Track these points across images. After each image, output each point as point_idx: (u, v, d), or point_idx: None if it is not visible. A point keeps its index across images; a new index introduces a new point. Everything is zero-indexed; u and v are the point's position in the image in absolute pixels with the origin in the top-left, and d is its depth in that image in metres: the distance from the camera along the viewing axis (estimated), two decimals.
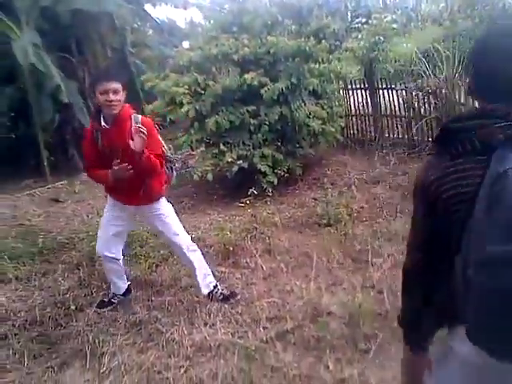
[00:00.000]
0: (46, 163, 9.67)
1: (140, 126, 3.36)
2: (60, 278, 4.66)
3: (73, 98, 9.58)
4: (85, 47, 10.51)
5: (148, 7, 13.84)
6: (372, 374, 2.87)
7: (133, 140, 3.36)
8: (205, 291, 3.93)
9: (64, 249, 5.38)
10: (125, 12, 10.66)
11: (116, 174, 3.48)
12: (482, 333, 1.23)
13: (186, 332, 3.51)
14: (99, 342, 3.46)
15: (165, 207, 3.86)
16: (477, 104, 1.45)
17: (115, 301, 4.02)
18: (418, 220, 1.54)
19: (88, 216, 6.44)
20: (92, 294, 4.29)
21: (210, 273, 4.03)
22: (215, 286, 3.99)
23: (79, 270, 4.75)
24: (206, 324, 3.61)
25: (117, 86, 3.42)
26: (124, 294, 4.07)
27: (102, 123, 3.50)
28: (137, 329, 3.65)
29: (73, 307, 4.02)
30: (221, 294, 3.94)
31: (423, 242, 1.50)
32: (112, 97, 3.39)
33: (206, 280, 3.95)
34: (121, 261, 3.95)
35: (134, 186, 3.58)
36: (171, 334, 3.50)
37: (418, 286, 1.50)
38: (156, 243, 5.06)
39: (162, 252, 4.86)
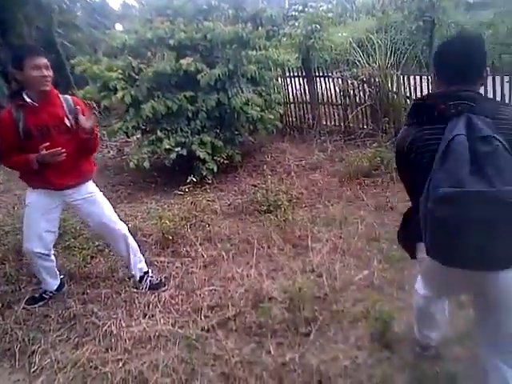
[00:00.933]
0: None
1: (89, 103, 3.24)
2: None
3: None
4: (9, 28, 9.95)
5: None
6: (313, 357, 2.92)
7: (77, 119, 3.27)
8: (137, 277, 3.92)
9: None
10: None
11: (44, 159, 3.23)
12: (435, 249, 1.85)
13: (124, 324, 3.42)
14: (29, 340, 3.31)
15: (97, 191, 3.72)
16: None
17: (47, 296, 3.83)
18: (403, 175, 2.15)
19: (14, 208, 6.10)
20: (20, 289, 4.08)
21: (143, 259, 4.00)
22: (146, 272, 3.95)
23: (5, 264, 4.48)
24: (145, 315, 3.52)
25: (47, 61, 3.24)
26: (57, 290, 3.88)
27: (28, 100, 3.24)
28: (71, 324, 3.51)
29: None
30: (150, 281, 3.90)
31: (411, 189, 2.09)
32: (45, 72, 3.21)
33: (137, 266, 3.92)
34: (52, 256, 3.75)
35: (66, 167, 3.38)
36: (108, 327, 3.39)
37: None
38: (90, 234, 4.87)
39: (96, 243, 4.68)
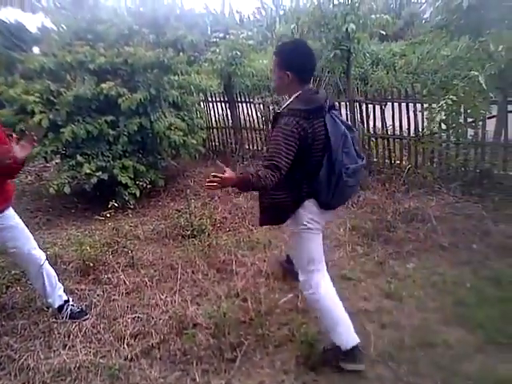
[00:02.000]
0: None
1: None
2: None
3: None
4: None
5: None
6: (239, 383, 2.93)
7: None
8: (55, 305, 3.79)
9: None
10: None
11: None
12: (333, 201, 2.89)
13: (42, 357, 3.29)
14: None
15: (17, 217, 3.57)
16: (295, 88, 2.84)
17: None
18: (287, 152, 2.66)
19: None
20: None
21: (62, 287, 3.88)
22: (66, 301, 3.83)
23: None
24: (65, 346, 3.41)
25: None
26: None
27: None
28: None
29: None
30: (70, 310, 3.78)
31: (287, 163, 2.67)
32: None
33: (56, 294, 3.79)
34: None
35: None
36: (25, 360, 3.25)
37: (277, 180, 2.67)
38: (6, 262, 4.66)
39: (13, 272, 4.47)
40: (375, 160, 7.19)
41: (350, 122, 7.28)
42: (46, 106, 6.38)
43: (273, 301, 3.83)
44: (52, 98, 6.44)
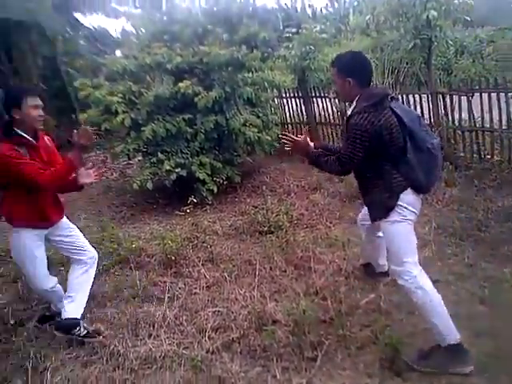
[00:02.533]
0: None
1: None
2: None
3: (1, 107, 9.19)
4: (15, 56, 10.13)
5: (79, 16, 13.62)
6: (320, 383, 2.90)
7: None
8: (71, 314, 3.55)
9: (1, 262, 5.19)
10: (55, 22, 10.38)
11: (80, 140, 3.28)
12: (422, 183, 2.98)
13: (130, 344, 3.46)
14: (41, 357, 3.36)
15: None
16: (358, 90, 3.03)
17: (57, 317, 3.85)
18: (358, 150, 2.92)
19: None
20: (32, 307, 4.15)
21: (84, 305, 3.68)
22: (76, 322, 3.57)
23: (17, 283, 4.57)
24: (150, 335, 3.56)
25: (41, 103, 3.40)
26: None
27: (30, 138, 3.33)
28: (80, 343, 3.54)
29: (12, 322, 3.90)
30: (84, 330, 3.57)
31: (355, 160, 2.97)
32: (42, 112, 3.35)
33: (79, 305, 3.62)
34: (57, 284, 3.73)
35: (56, 201, 3.58)
36: (115, 346, 3.43)
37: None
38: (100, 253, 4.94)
39: (102, 263, 4.71)
40: (462, 154, 6.91)
41: (432, 115, 7.09)
42: (128, 105, 6.67)
43: (354, 300, 3.76)
44: (134, 99, 6.73)
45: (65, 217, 3.70)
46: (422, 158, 2.94)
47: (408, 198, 2.99)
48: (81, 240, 3.74)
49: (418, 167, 2.94)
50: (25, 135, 3.30)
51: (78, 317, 3.55)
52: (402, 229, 3.04)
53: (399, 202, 2.99)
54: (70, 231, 3.69)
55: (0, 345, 3.63)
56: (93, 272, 3.76)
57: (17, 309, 4.14)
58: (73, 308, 3.56)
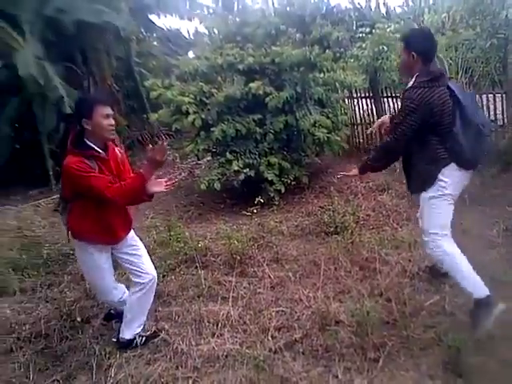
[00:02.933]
0: (51, 173, 9.65)
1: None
2: (65, 290, 4.68)
3: None
4: (90, 57, 10.55)
5: (153, 17, 14.04)
6: None
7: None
8: (125, 335, 3.57)
9: (69, 260, 5.37)
10: (130, 23, 10.72)
11: (154, 160, 3.08)
12: (468, 158, 3.16)
13: (193, 343, 3.50)
14: (105, 354, 3.45)
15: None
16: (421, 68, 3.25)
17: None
18: (413, 118, 3.15)
19: None
20: (98, 305, 4.27)
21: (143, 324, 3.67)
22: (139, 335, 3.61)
23: (84, 281, 4.71)
24: (213, 334, 3.58)
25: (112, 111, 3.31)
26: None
27: (100, 151, 3.23)
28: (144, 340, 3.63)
29: (78, 319, 4.02)
30: (142, 337, 3.61)
31: (408, 133, 3.20)
32: (112, 121, 3.25)
33: (135, 325, 3.59)
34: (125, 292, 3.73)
35: (125, 214, 3.47)
36: (178, 344, 3.48)
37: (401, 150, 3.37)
38: (163, 253, 5.05)
39: (168, 262, 4.85)
40: None
41: (506, 116, 6.78)
42: (199, 106, 6.80)
43: (418, 302, 3.69)
44: (204, 99, 6.84)
45: (132, 232, 3.58)
46: (469, 134, 3.12)
47: (451, 173, 3.21)
48: (142, 261, 3.53)
49: (464, 142, 3.12)
50: (95, 147, 3.20)
51: (132, 337, 3.54)
52: (438, 204, 3.29)
53: (440, 177, 3.22)
54: (134, 249, 3.54)
55: (66, 341, 3.75)
56: (151, 293, 3.57)
57: (84, 306, 4.27)
58: (129, 329, 3.55)
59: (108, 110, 3.21)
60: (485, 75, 7.73)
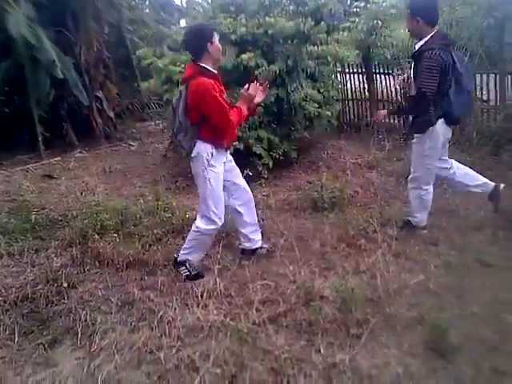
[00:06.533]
0: (40, 139, 9.54)
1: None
2: (52, 255, 4.67)
3: (68, 73, 9.46)
4: (81, 23, 10.33)
5: None
6: (364, 360, 2.88)
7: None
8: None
9: (57, 225, 5.38)
10: None
11: (248, 98, 3.90)
12: (457, 117, 4.24)
13: (178, 312, 3.51)
14: (91, 320, 3.48)
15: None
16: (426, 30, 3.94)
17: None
18: (435, 79, 3.82)
19: (82, 193, 6.39)
20: (84, 271, 4.30)
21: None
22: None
23: (72, 247, 4.74)
24: (198, 305, 3.60)
25: None
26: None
27: (216, 72, 3.80)
28: (129, 308, 3.66)
29: (65, 284, 4.03)
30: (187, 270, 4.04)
31: (433, 89, 3.84)
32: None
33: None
34: None
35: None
36: (163, 313, 3.50)
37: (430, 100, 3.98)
38: (150, 222, 5.04)
39: (155, 231, 4.85)
40: None
41: (498, 97, 6.79)
42: None
43: (403, 281, 3.71)
44: None
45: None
46: (459, 98, 3.96)
47: (442, 126, 4.15)
48: None
49: (456, 103, 3.97)
50: (213, 70, 3.77)
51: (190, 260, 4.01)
52: (431, 154, 4.24)
53: (436, 128, 4.11)
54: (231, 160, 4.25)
55: (52, 306, 3.76)
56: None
57: (70, 272, 4.29)
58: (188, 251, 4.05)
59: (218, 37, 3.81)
60: (479, 55, 7.72)
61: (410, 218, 4.63)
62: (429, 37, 3.93)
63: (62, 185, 7.35)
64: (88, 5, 10.25)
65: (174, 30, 7.50)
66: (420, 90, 3.92)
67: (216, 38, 3.75)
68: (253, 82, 3.90)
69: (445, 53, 3.83)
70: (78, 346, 3.25)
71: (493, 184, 4.55)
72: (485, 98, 7.19)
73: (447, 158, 4.57)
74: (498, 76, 6.88)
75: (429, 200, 4.51)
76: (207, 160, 3.79)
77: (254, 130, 6.70)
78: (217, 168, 3.86)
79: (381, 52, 8.89)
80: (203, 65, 3.70)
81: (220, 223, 3.92)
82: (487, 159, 6.30)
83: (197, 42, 3.73)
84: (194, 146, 3.79)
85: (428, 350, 2.92)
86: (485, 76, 7.04)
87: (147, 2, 14.41)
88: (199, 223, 3.95)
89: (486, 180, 4.58)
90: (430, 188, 4.46)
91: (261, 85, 3.91)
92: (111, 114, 11.16)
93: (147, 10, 14.51)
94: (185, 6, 14.84)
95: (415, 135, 4.32)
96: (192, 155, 3.85)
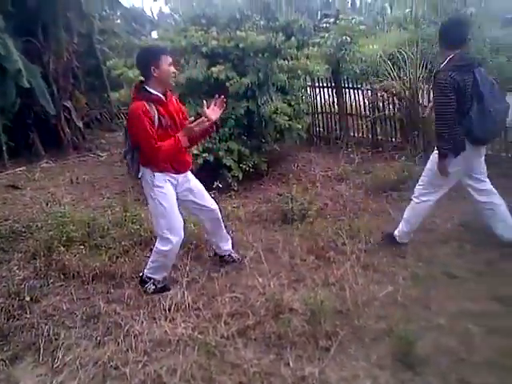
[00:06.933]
0: (4, 148, 9.32)
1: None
2: (15, 268, 4.55)
3: (35, 82, 9.29)
4: (51, 32, 10.19)
5: None
6: (332, 373, 2.87)
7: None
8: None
9: (20, 237, 5.25)
10: None
11: (191, 131, 3.62)
12: (480, 137, 3.99)
13: (145, 326, 3.45)
14: (54, 335, 3.39)
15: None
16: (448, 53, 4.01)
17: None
18: (450, 98, 3.86)
19: (47, 204, 6.24)
20: (48, 284, 4.20)
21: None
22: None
23: (36, 259, 4.62)
24: (166, 318, 3.55)
25: None
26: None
27: (160, 95, 3.62)
28: (94, 322, 3.58)
29: (27, 298, 3.93)
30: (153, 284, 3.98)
31: (452, 107, 3.87)
32: (174, 69, 3.69)
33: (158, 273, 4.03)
34: None
35: (185, 153, 3.87)
36: (130, 327, 3.44)
37: (452, 124, 3.93)
38: (118, 234, 4.96)
39: (123, 243, 4.76)
40: None
41: None
42: None
43: (371, 292, 3.73)
44: None
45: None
46: (482, 118, 3.86)
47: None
48: None
49: (478, 124, 3.87)
50: (156, 93, 3.59)
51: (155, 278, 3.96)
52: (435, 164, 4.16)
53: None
54: (195, 182, 4.20)
55: (14, 321, 3.65)
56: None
57: (33, 285, 4.19)
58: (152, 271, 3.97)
59: (171, 59, 3.64)
60: None
61: (395, 232, 4.56)
62: (446, 60, 4.02)
63: (27, 195, 7.20)
64: (58, 15, 10.12)
65: (144, 42, 7.43)
66: (436, 110, 4.06)
67: (165, 61, 3.57)
68: (220, 96, 3.76)
69: (459, 73, 3.84)
70: (40, 362, 3.16)
71: None
72: None
73: (485, 179, 4.34)
74: None
75: (419, 214, 4.44)
76: (151, 181, 3.75)
77: (224, 141, 6.69)
78: (164, 188, 3.78)
79: (350, 67, 9.03)
80: (147, 87, 3.60)
81: (176, 240, 3.81)
82: None
83: (143, 65, 3.66)
84: (139, 167, 3.77)
85: (396, 362, 2.93)
86: None
87: (118, 13, 14.33)
88: (158, 244, 3.89)
89: None
90: (426, 199, 4.37)
91: (215, 104, 3.73)
92: (80, 124, 11.00)
93: (118, 21, 14.44)
94: (156, 18, 14.85)
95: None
96: (138, 176, 3.85)
